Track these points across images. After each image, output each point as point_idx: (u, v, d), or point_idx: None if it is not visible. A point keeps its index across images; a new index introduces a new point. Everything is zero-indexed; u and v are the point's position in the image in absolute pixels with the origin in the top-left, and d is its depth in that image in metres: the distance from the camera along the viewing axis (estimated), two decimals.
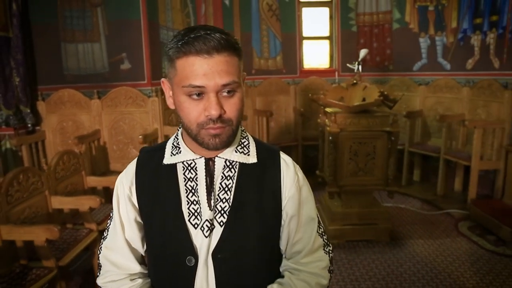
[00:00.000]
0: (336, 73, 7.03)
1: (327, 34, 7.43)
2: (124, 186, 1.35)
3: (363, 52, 4.86)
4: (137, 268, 1.39)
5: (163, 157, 1.33)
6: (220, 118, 1.17)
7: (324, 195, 4.82)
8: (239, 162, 1.33)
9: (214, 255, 1.28)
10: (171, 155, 1.32)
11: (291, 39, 7.18)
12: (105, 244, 1.39)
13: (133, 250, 1.39)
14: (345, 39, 7.22)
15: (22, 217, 3.14)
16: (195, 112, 1.18)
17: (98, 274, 1.41)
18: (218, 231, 1.29)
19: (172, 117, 5.36)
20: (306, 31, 7.40)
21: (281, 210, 1.37)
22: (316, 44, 7.48)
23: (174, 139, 1.37)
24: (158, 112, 5.02)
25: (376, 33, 7.09)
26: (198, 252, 1.28)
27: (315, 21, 7.41)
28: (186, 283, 1.29)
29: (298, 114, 6.78)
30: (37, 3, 4.94)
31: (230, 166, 1.32)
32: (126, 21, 5.00)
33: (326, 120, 4.54)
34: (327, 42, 7.43)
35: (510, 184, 4.91)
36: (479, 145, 5.17)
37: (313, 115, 6.60)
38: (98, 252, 1.42)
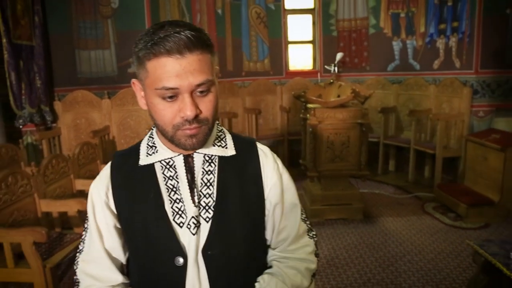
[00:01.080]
0: (319, 74, 7.75)
1: (310, 38, 8.12)
2: (100, 192, 1.28)
3: (339, 56, 5.61)
4: (119, 278, 1.31)
5: (138, 158, 1.29)
6: (196, 118, 1.14)
7: (307, 180, 5.54)
8: (218, 156, 1.31)
9: (204, 252, 1.25)
10: (147, 155, 1.28)
11: (278, 44, 7.86)
12: (82, 258, 1.31)
13: (113, 260, 1.31)
14: (326, 43, 7.92)
15: (10, 220, 3.26)
16: (169, 114, 1.14)
17: None
18: (205, 227, 1.26)
19: None
20: (291, 36, 8.08)
21: (264, 199, 1.36)
22: (300, 48, 8.18)
23: (149, 139, 1.32)
24: None
25: (354, 37, 7.80)
26: (187, 251, 1.24)
27: (299, 27, 8.12)
28: (176, 285, 1.26)
29: (284, 111, 7.48)
30: (55, 15, 5.65)
31: (210, 161, 1.30)
32: (133, 31, 5.70)
33: (307, 115, 5.25)
34: (310, 46, 8.12)
35: (469, 169, 5.64)
36: (443, 135, 5.94)
37: (297, 113, 7.26)
38: (75, 268, 1.34)
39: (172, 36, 1.06)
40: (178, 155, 1.27)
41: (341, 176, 5.25)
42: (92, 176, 4.53)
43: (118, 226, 1.30)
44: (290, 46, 8.11)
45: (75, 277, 1.33)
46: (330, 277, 3.90)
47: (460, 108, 6.10)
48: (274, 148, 7.53)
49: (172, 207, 1.25)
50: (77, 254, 1.34)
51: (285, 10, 7.88)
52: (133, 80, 1.23)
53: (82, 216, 3.76)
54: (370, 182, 6.64)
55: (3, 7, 4.71)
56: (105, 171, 1.31)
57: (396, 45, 7.36)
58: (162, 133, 1.19)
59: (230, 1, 7.43)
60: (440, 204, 5.58)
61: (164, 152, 1.27)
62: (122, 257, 1.33)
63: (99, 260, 1.29)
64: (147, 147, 1.29)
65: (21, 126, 5.24)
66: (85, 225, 1.32)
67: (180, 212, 1.25)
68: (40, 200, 3.61)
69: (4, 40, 4.76)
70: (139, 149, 1.31)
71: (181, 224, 1.24)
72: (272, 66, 7.90)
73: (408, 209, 5.59)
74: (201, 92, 1.14)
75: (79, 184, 4.21)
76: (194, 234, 1.24)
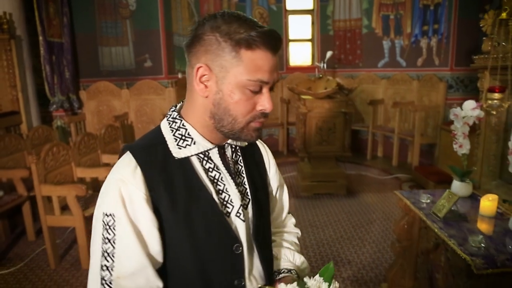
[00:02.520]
0: (316, 69, 8.48)
1: (309, 37, 8.93)
2: (136, 191, 1.09)
3: (328, 54, 6.39)
4: (161, 285, 1.14)
5: (167, 151, 1.16)
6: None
7: (299, 161, 6.37)
8: (239, 146, 1.33)
9: (255, 236, 1.28)
10: (180, 148, 1.17)
11: None
12: (116, 274, 1.08)
13: (156, 265, 1.15)
14: (323, 41, 8.71)
15: (55, 181, 4.10)
16: (250, 105, 1.12)
17: None
18: (249, 214, 1.28)
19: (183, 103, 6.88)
20: (291, 35, 8.89)
21: (268, 183, 1.45)
22: (300, 46, 9.01)
23: (172, 130, 1.20)
24: (173, 98, 6.56)
25: (348, 36, 8.59)
26: (241, 238, 1.24)
27: (299, 26, 8.92)
28: (237, 272, 1.24)
29: (284, 103, 8.31)
30: (81, 16, 6.52)
31: (235, 151, 1.31)
32: (149, 30, 6.56)
33: (300, 105, 6.06)
34: (309, 43, 8.94)
35: (442, 154, 6.42)
36: (421, 124, 6.73)
37: (296, 104, 8.13)
38: None
39: (274, 33, 1.08)
40: (214, 146, 1.23)
41: (328, 157, 6.06)
42: (115, 151, 5.37)
43: (158, 227, 1.13)
44: (290, 43, 8.91)
45: None
46: (310, 234, 4.75)
47: (437, 100, 6.89)
48: (275, 135, 8.43)
49: (219, 198, 1.20)
50: (103, 273, 1.08)
51: (286, 10, 8.69)
52: (202, 64, 1.11)
53: None
54: (359, 166, 7.49)
55: (39, 10, 5.57)
56: (131, 167, 1.11)
57: (386, 44, 8.14)
58: (227, 124, 1.14)
59: (235, 3, 8.26)
60: (416, 183, 6.37)
61: (202, 143, 1.19)
62: (161, 261, 1.16)
63: (144, 271, 1.10)
64: (176, 139, 1.18)
65: (54, 110, 6.12)
66: (105, 235, 1.09)
67: (225, 202, 1.22)
68: (76, 168, 4.52)
69: (40, 38, 5.62)
70: (164, 141, 1.18)
71: (228, 214, 1.22)
72: None
73: (387, 187, 6.38)
74: (271, 88, 1.15)
75: (105, 158, 5.06)
76: (244, 221, 1.24)
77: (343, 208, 5.59)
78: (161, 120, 1.26)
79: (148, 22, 6.56)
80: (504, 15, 2.63)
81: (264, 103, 1.12)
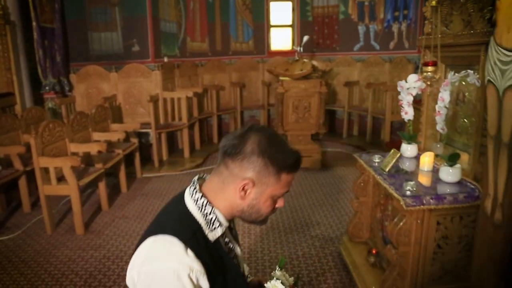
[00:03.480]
0: (296, 53, 8.94)
1: (289, 23, 9.30)
2: (200, 270, 1.24)
3: (305, 38, 6.82)
4: None
5: (203, 234, 1.31)
6: None
7: None
8: None
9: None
10: (211, 230, 1.33)
11: (261, 27, 9.08)
12: None
13: None
14: (303, 26, 9.11)
15: (51, 154, 4.55)
16: (273, 206, 1.40)
17: None
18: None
19: (168, 86, 7.29)
20: (273, 21, 9.26)
21: None
22: (281, 31, 9.39)
23: (205, 215, 1.33)
24: (159, 81, 6.95)
25: (326, 22, 9.00)
26: None
27: (280, 13, 9.27)
28: None
29: (265, 85, 8.74)
30: (71, 3, 6.87)
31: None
32: (136, 16, 6.91)
33: (278, 86, 6.49)
34: (289, 29, 9.33)
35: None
36: (391, 103, 7.20)
37: (275, 86, 8.57)
38: None
39: (300, 161, 1.39)
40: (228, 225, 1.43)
41: (304, 134, 6.52)
42: (104, 130, 5.79)
43: None
44: (272, 29, 9.29)
45: None
46: (285, 202, 5.21)
47: None
48: (256, 116, 8.88)
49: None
50: None
51: None
52: (248, 180, 1.31)
53: (102, 155, 5.16)
54: (335, 143, 7.98)
55: None
56: (184, 251, 1.22)
57: (361, 29, 8.60)
58: (254, 217, 1.40)
59: None
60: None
61: (225, 224, 1.38)
62: None
63: None
64: (208, 223, 1.33)
65: (46, 92, 6.49)
66: None
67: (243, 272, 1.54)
68: (70, 144, 4.94)
69: (34, 24, 5.97)
70: (199, 225, 1.31)
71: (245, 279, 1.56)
72: (255, 46, 9.11)
73: (359, 162, 6.84)
74: None
75: (95, 136, 5.47)
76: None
77: (317, 180, 6.07)
78: (185, 197, 1.39)
79: (135, 9, 6.90)
80: (433, 3, 3.08)
81: (281, 203, 1.43)
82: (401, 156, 3.44)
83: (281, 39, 9.40)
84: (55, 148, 4.65)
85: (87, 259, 4.03)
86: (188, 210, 1.33)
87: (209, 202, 1.34)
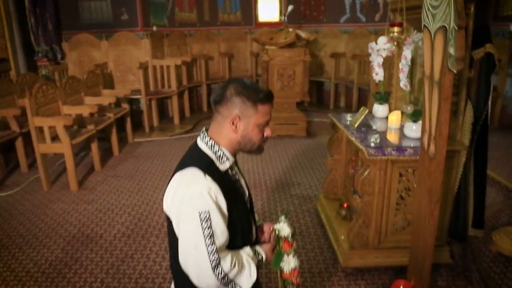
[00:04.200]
0: (283, 24, 9.12)
1: None
2: (218, 190, 1.54)
3: (289, 8, 7.02)
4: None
5: (215, 166, 1.60)
6: None
7: None
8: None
9: (253, 215, 1.86)
10: (222, 163, 1.63)
11: None
12: (218, 247, 1.52)
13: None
14: None
15: (46, 115, 4.81)
16: (261, 134, 1.65)
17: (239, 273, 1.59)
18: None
19: (158, 54, 7.49)
20: None
21: None
22: (268, 2, 9.40)
23: (214, 153, 1.63)
24: (148, 49, 7.15)
25: None
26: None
27: None
28: (253, 234, 1.81)
29: (253, 55, 8.94)
30: None
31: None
32: None
33: (263, 54, 6.71)
34: (277, 1, 9.33)
35: (394, 99, 7.15)
36: None
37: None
38: (223, 275, 1.53)
39: (271, 94, 1.66)
40: (234, 159, 1.71)
41: (289, 101, 6.77)
42: (96, 94, 6.00)
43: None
44: (259, 1, 9.28)
45: (221, 268, 1.52)
46: (269, 165, 5.55)
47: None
48: None
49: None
50: (210, 248, 1.50)
51: None
52: (235, 116, 1.59)
53: (93, 118, 5.41)
54: (322, 114, 8.21)
55: None
56: (205, 177, 1.53)
57: (347, 0, 8.72)
58: (249, 146, 1.66)
59: None
60: None
61: (231, 159, 1.67)
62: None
63: (227, 237, 1.56)
64: (218, 158, 1.63)
65: (39, 59, 6.68)
66: (204, 226, 1.50)
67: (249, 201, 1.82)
68: (63, 106, 5.18)
69: None
70: (211, 160, 1.61)
71: (248, 206, 1.80)
72: (243, 17, 9.23)
73: None
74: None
75: (87, 100, 5.69)
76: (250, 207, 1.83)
77: (301, 146, 6.35)
78: (196, 142, 1.70)
79: None
80: None
81: (268, 132, 1.69)
82: (373, 117, 3.70)
83: (268, 10, 9.51)
84: (48, 109, 4.87)
85: (81, 211, 4.32)
86: (202, 150, 1.64)
87: (216, 142, 1.65)
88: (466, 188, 3.31)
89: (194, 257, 1.52)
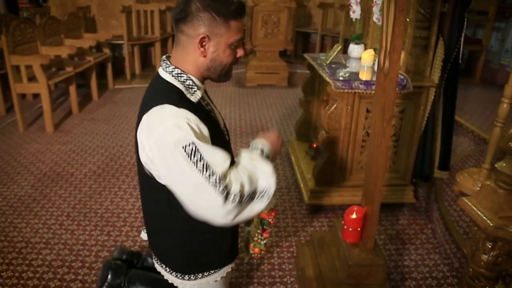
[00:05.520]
0: None
1: None
2: (196, 118, 1.37)
3: None
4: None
5: (186, 98, 1.43)
6: None
7: (249, 56, 6.99)
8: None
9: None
10: (192, 94, 1.45)
11: None
12: (220, 170, 1.34)
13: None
14: None
15: (23, 54, 4.73)
16: (233, 55, 1.48)
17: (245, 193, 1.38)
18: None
19: (142, 0, 7.33)
20: None
21: None
22: None
23: (182, 82, 1.45)
24: None
25: None
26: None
27: None
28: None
29: None
30: None
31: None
32: None
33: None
34: None
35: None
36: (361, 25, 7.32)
37: None
38: (227, 190, 1.32)
39: (244, 7, 1.45)
40: (203, 88, 1.56)
41: (272, 50, 6.70)
42: (77, 37, 5.90)
43: None
44: None
45: (233, 193, 1.33)
46: (246, 112, 5.60)
47: None
48: None
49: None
50: (212, 179, 1.31)
51: None
52: (203, 35, 1.38)
53: (73, 61, 5.39)
54: (304, 66, 8.11)
55: None
56: (178, 109, 1.35)
57: None
58: (220, 71, 1.49)
59: None
60: None
61: (201, 88, 1.51)
62: None
63: (226, 152, 1.39)
64: (187, 88, 1.45)
65: (20, 0, 6.54)
66: (193, 159, 1.30)
67: (224, 127, 1.70)
68: (41, 47, 5.14)
69: None
70: (180, 91, 1.42)
71: (225, 134, 1.69)
72: None
73: None
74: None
75: (67, 42, 5.62)
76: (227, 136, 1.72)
77: (281, 95, 6.35)
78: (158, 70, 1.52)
79: None
80: None
81: (241, 52, 1.50)
82: (348, 57, 3.66)
83: None
84: (26, 49, 4.86)
85: (54, 151, 4.36)
86: (168, 82, 1.44)
87: (182, 71, 1.45)
88: (434, 129, 3.32)
89: (198, 199, 1.36)
